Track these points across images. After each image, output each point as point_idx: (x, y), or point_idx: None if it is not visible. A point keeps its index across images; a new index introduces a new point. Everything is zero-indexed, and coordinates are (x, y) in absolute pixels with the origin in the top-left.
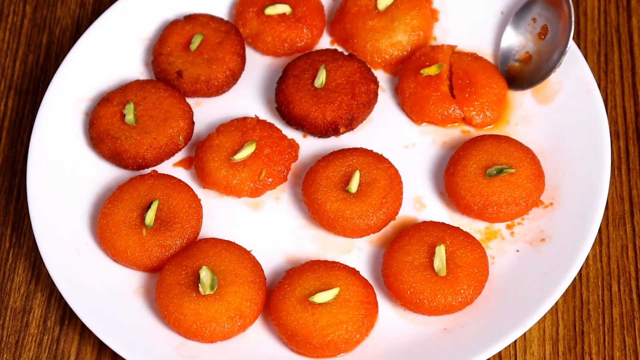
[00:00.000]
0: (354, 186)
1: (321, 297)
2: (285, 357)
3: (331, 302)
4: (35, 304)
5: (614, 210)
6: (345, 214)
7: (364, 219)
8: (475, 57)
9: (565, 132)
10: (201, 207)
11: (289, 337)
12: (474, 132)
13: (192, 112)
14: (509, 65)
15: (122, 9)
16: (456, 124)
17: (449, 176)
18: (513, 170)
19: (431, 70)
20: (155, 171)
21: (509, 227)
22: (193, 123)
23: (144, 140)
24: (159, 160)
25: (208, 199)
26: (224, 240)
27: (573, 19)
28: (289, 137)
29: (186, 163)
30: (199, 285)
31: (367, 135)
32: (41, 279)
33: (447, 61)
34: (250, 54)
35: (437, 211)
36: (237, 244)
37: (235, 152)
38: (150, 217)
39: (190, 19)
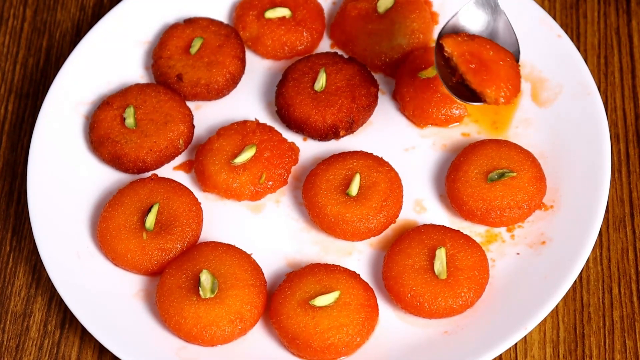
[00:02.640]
0: (354, 189)
1: (322, 301)
2: None
3: (332, 305)
4: (35, 308)
5: (614, 213)
6: (345, 217)
7: (364, 222)
8: (469, 37)
9: (565, 134)
10: (201, 210)
11: (289, 341)
12: (474, 134)
13: (192, 116)
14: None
15: (122, 12)
16: (457, 123)
17: (450, 182)
18: (514, 174)
19: (428, 73)
20: (155, 175)
21: (509, 230)
22: (193, 126)
23: (144, 144)
24: (159, 163)
25: (208, 202)
26: (224, 243)
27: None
28: (289, 140)
29: (186, 166)
30: (200, 288)
31: (367, 138)
32: (41, 282)
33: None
34: (250, 57)
35: (437, 214)
36: (237, 248)
37: (236, 155)
38: (150, 220)
39: (190, 22)
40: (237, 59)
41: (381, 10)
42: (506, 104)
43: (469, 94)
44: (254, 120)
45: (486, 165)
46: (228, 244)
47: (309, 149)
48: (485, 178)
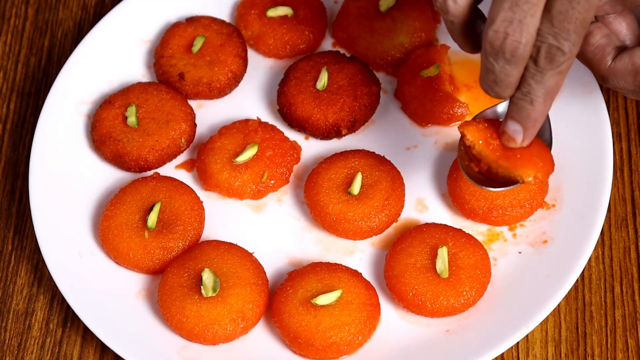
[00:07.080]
0: (356, 188)
1: (323, 299)
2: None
3: (333, 304)
4: (37, 307)
5: (617, 212)
6: (347, 216)
7: (366, 220)
8: (488, 121)
9: (568, 133)
10: (203, 209)
11: (291, 339)
12: None
13: (194, 115)
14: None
15: (124, 11)
16: (459, 122)
17: (453, 181)
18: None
19: (430, 71)
20: (157, 173)
21: (511, 229)
22: (195, 125)
23: (146, 143)
24: (161, 162)
25: (210, 201)
26: (226, 242)
27: None
28: (291, 139)
29: (188, 165)
30: (202, 287)
31: (369, 137)
32: (43, 281)
33: (443, 60)
34: (252, 56)
35: (439, 213)
36: (239, 246)
37: (238, 154)
38: (152, 219)
39: (192, 21)
40: (239, 58)
41: (383, 8)
42: (544, 179)
43: (493, 181)
44: (256, 119)
45: None
46: (230, 243)
47: (311, 148)
48: None
